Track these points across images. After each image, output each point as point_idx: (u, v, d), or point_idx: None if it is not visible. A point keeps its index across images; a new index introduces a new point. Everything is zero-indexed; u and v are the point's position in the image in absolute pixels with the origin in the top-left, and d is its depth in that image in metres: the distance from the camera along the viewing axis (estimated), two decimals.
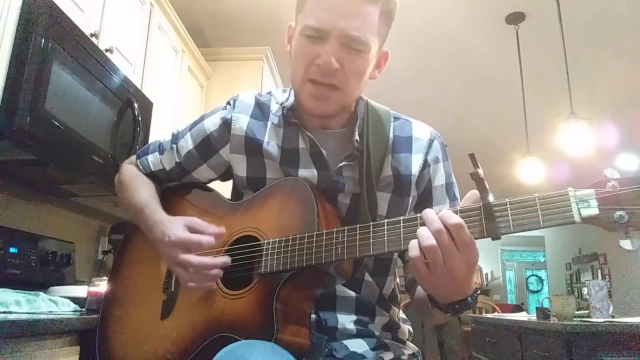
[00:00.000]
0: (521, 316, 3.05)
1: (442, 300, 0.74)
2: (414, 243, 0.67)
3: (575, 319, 2.11)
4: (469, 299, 0.74)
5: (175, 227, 0.85)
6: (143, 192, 0.97)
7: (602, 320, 2.00)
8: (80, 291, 1.43)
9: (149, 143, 1.08)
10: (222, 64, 3.00)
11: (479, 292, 0.77)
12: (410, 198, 0.93)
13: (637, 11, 2.91)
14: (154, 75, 2.17)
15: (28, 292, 1.25)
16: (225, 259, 0.82)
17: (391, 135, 0.93)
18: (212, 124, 0.98)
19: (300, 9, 0.87)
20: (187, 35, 2.57)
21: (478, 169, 0.69)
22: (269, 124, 0.95)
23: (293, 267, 0.78)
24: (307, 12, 0.83)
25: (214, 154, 0.98)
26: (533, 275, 10.77)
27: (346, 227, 0.77)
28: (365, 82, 0.89)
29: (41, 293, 1.29)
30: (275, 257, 0.80)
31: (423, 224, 0.68)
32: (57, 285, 1.58)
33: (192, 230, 0.84)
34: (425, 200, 0.94)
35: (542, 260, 10.11)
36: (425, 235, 0.66)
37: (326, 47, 0.81)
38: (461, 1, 2.93)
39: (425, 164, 0.93)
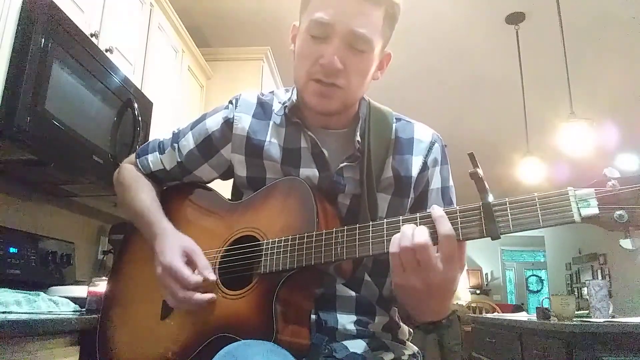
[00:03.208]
0: (521, 316, 3.05)
1: (417, 315, 0.77)
2: (395, 239, 0.69)
3: (575, 319, 2.11)
4: (444, 321, 0.76)
5: (172, 251, 0.84)
6: (144, 196, 0.97)
7: (602, 320, 2.00)
8: (80, 291, 1.43)
9: (149, 142, 1.07)
10: (222, 64, 3.00)
11: (455, 314, 0.79)
12: (409, 200, 0.93)
13: (637, 11, 2.91)
14: (154, 75, 2.17)
15: (28, 292, 1.25)
16: (210, 297, 0.82)
17: (393, 137, 0.93)
18: (213, 123, 0.98)
19: (304, 7, 0.87)
20: (187, 35, 2.57)
21: (477, 169, 0.69)
22: (271, 123, 0.94)
23: (292, 267, 0.78)
24: (312, 9, 0.83)
25: (216, 153, 0.97)
26: (533, 275, 10.77)
27: (345, 227, 0.77)
28: (368, 82, 0.89)
29: (41, 293, 1.29)
30: (274, 257, 0.80)
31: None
32: (57, 285, 1.58)
33: (189, 259, 0.84)
34: (421, 202, 0.94)
35: (542, 260, 10.10)
36: (405, 233, 0.69)
37: (330, 47, 0.81)
38: (461, 1, 2.93)
39: (425, 166, 0.93)
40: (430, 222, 0.70)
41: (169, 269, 0.82)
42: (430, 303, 0.72)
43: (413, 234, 0.68)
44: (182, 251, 0.84)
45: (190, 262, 0.84)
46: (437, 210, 0.69)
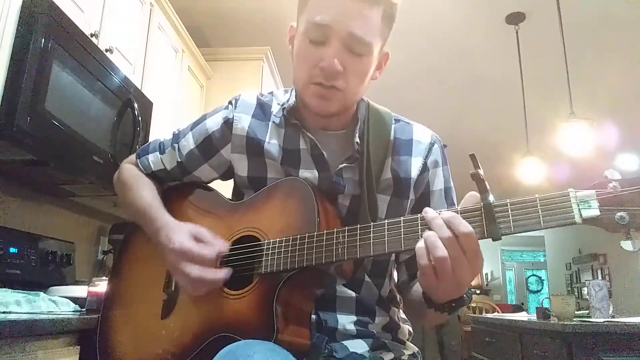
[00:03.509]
0: (521, 316, 3.05)
1: (440, 301, 0.75)
2: (421, 250, 0.67)
3: (575, 319, 2.11)
4: (465, 295, 0.75)
5: (181, 234, 0.84)
6: (146, 194, 0.97)
7: (602, 320, 2.00)
8: (80, 291, 1.43)
9: (149, 142, 1.07)
10: (222, 64, 3.00)
11: (472, 289, 0.78)
12: (409, 201, 0.93)
13: (637, 11, 2.91)
14: (154, 75, 2.17)
15: (28, 292, 1.25)
16: (226, 272, 0.81)
17: (392, 138, 0.93)
18: (213, 123, 0.98)
19: (302, 9, 0.86)
20: (187, 35, 2.57)
21: (479, 170, 0.69)
22: (270, 124, 0.95)
23: (293, 267, 0.78)
24: (309, 11, 0.83)
25: (216, 153, 0.98)
26: (533, 275, 10.78)
27: (346, 228, 0.77)
28: (367, 83, 0.89)
29: (41, 293, 1.29)
30: (275, 257, 0.80)
31: (429, 228, 0.68)
32: (57, 285, 1.58)
33: (198, 240, 0.84)
34: (423, 204, 0.93)
35: (542, 260, 10.11)
36: (435, 244, 0.66)
37: (329, 50, 0.81)
38: (461, 1, 2.93)
39: (425, 168, 0.93)
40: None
41: (181, 251, 0.81)
42: (458, 290, 0.72)
43: (443, 239, 0.66)
44: (189, 233, 0.84)
45: (200, 241, 0.84)
46: (447, 213, 0.68)
